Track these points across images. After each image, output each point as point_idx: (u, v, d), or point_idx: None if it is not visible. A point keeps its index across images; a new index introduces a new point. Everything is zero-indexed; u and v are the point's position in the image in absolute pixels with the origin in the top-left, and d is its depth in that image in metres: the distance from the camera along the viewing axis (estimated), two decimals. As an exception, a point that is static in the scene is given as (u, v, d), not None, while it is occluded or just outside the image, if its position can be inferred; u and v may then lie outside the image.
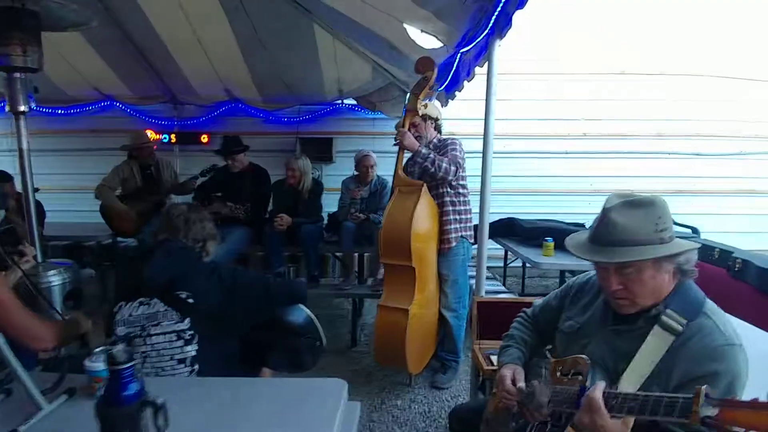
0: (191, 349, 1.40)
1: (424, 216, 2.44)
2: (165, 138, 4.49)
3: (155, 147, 4.02)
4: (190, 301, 1.41)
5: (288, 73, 4.06)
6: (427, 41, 2.66)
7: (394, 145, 2.57)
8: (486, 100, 2.14)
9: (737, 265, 3.06)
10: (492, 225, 3.75)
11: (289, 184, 3.30)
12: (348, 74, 4.18)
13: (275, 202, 3.43)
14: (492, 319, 2.14)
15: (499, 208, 4.67)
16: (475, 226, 3.87)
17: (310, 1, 3.10)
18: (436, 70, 2.48)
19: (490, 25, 1.97)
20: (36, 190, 3.47)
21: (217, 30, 3.49)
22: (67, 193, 4.64)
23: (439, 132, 2.86)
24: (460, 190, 2.75)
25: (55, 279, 1.85)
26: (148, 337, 1.38)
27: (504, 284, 3.77)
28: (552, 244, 3.01)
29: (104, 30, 3.50)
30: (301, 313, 1.59)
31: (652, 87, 4.73)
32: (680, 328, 1.04)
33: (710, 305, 1.09)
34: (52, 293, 1.86)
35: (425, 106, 2.67)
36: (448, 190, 2.70)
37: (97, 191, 3.77)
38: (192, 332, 1.40)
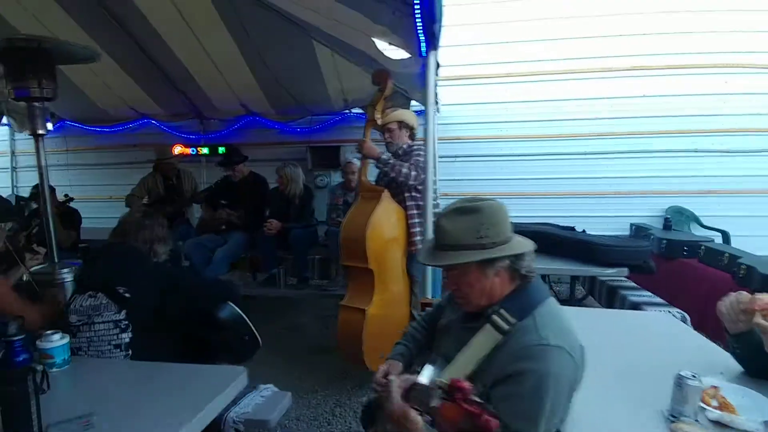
0: (125, 336, 1.64)
1: (383, 220, 2.55)
2: (193, 150, 4.94)
3: (180, 160, 4.50)
4: (127, 295, 1.65)
5: (294, 86, 4.33)
6: (395, 53, 2.77)
7: (356, 152, 2.73)
8: (425, 109, 2.22)
9: (742, 272, 2.86)
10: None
11: (279, 191, 3.55)
12: (351, 84, 4.37)
13: (271, 208, 3.69)
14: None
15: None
16: None
17: (302, 19, 3.34)
18: (390, 82, 2.58)
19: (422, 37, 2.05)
20: (70, 199, 4.05)
21: (228, 52, 3.85)
22: (105, 201, 5.28)
23: (412, 139, 2.97)
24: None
25: (67, 276, 2.21)
26: (93, 324, 1.64)
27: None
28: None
29: (135, 58, 4.01)
30: (230, 309, 1.77)
31: (672, 82, 4.44)
32: (507, 327, 1.09)
33: (545, 308, 1.12)
34: (64, 287, 2.23)
35: (383, 114, 2.76)
36: (414, 194, 2.80)
37: (127, 200, 4.28)
38: (127, 322, 1.64)
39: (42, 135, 2.61)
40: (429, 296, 2.35)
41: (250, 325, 1.81)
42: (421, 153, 2.73)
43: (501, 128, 4.69)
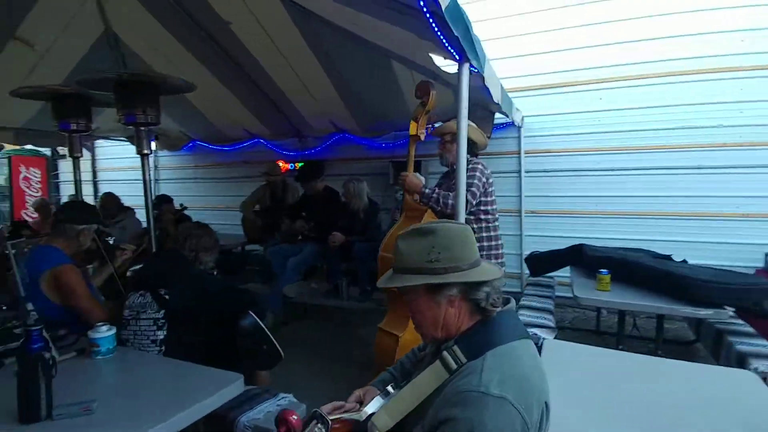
0: (161, 334, 1.85)
1: None
2: (291, 166, 5.40)
3: (287, 175, 4.99)
4: (167, 297, 1.86)
5: (376, 104, 4.45)
6: (451, 67, 2.66)
7: (396, 185, 2.62)
8: (458, 124, 2.07)
9: None
10: (557, 252, 3.36)
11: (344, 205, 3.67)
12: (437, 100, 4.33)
13: (339, 221, 3.82)
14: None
15: (575, 233, 4.16)
16: (534, 256, 3.51)
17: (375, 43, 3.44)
18: (433, 95, 2.46)
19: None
20: (184, 207, 4.71)
21: (316, 76, 4.17)
22: (221, 210, 6.03)
23: (471, 153, 2.78)
24: (481, 216, 2.64)
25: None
26: (139, 320, 1.89)
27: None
28: (607, 276, 2.52)
29: (244, 85, 4.57)
30: (251, 319, 1.88)
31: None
32: (454, 366, 0.98)
33: (504, 350, 0.98)
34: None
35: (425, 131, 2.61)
36: (466, 216, 2.60)
37: (241, 206, 4.88)
38: (164, 320, 1.85)
39: (147, 154, 3.14)
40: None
41: (270, 335, 1.88)
42: (476, 173, 2.55)
43: (594, 140, 4.15)
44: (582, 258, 2.95)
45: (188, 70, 4.27)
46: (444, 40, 1.88)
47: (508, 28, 4.50)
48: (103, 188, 6.77)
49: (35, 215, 5.59)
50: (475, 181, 2.54)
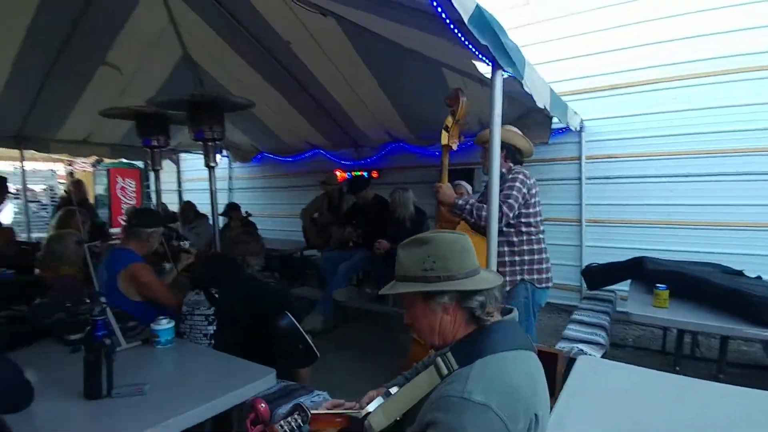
0: (211, 329, 2.04)
1: None
2: (349, 175, 5.59)
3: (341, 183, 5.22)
4: (217, 296, 2.06)
5: (429, 113, 4.48)
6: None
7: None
8: (491, 132, 2.05)
9: None
10: (616, 265, 3.15)
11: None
12: (485, 107, 4.27)
13: (387, 229, 3.89)
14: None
15: (641, 244, 3.87)
16: (591, 269, 3.30)
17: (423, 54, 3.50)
18: (463, 102, 2.39)
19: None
20: (249, 215, 5.06)
21: (371, 89, 4.32)
22: (285, 217, 6.38)
23: (514, 162, 2.69)
24: (522, 229, 2.52)
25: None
26: (194, 315, 2.10)
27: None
28: (665, 292, 2.31)
29: (304, 100, 4.84)
30: (288, 319, 2.00)
31: None
32: (446, 371, 1.02)
33: (493, 359, 0.99)
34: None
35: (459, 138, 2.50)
36: (505, 229, 2.52)
37: (301, 213, 5.17)
38: (213, 317, 2.04)
39: (213, 167, 3.44)
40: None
41: (305, 336, 2.00)
42: (516, 183, 2.46)
43: (665, 143, 3.82)
44: (642, 272, 2.73)
45: (255, 88, 4.64)
46: (473, 49, 1.88)
47: (567, 29, 4.33)
48: (186, 197, 7.48)
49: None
50: (514, 193, 2.43)
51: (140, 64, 4.45)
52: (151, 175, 8.21)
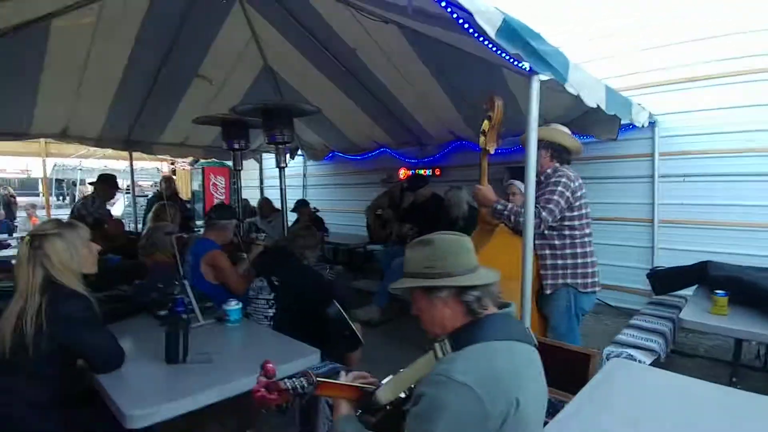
0: (271, 312, 2.34)
1: (493, 255, 2.38)
2: (412, 172, 5.74)
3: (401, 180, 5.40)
4: (276, 283, 2.35)
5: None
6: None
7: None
8: (527, 135, 2.07)
9: None
10: (682, 269, 2.95)
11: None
12: (548, 103, 4.16)
13: (441, 227, 3.95)
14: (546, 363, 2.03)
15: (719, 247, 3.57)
16: (657, 272, 3.10)
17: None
18: (499, 105, 2.38)
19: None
20: (317, 210, 5.43)
21: (433, 90, 4.43)
22: (351, 213, 6.70)
23: (560, 161, 2.64)
24: (565, 232, 2.48)
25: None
26: (257, 299, 2.41)
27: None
28: (724, 299, 2.15)
29: (370, 102, 5.09)
30: (335, 308, 2.23)
31: None
32: (441, 355, 1.15)
33: (480, 347, 1.10)
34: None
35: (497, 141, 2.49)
36: (547, 232, 2.50)
37: (366, 210, 5.45)
38: (273, 302, 2.34)
39: (284, 168, 3.80)
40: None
41: (351, 323, 2.21)
42: (558, 187, 2.41)
43: (752, 138, 3.44)
44: (706, 277, 2.56)
45: (325, 92, 4.99)
46: (506, 57, 1.94)
47: (639, 20, 4.06)
48: (267, 193, 8.16)
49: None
50: (555, 197, 2.38)
51: (227, 74, 4.99)
52: (240, 173, 9.12)
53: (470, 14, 1.60)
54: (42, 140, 7.33)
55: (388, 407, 1.24)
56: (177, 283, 2.29)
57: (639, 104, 3.64)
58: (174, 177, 8.30)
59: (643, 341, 2.60)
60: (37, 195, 9.72)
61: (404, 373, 1.23)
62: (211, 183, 8.96)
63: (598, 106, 2.68)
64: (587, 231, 2.52)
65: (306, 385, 1.12)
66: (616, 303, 4.37)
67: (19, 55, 3.78)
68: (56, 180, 9.06)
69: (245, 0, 4.05)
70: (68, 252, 1.67)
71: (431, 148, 5.69)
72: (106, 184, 4.68)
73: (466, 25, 1.74)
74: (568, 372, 1.80)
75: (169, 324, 1.79)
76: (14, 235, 6.76)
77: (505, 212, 2.38)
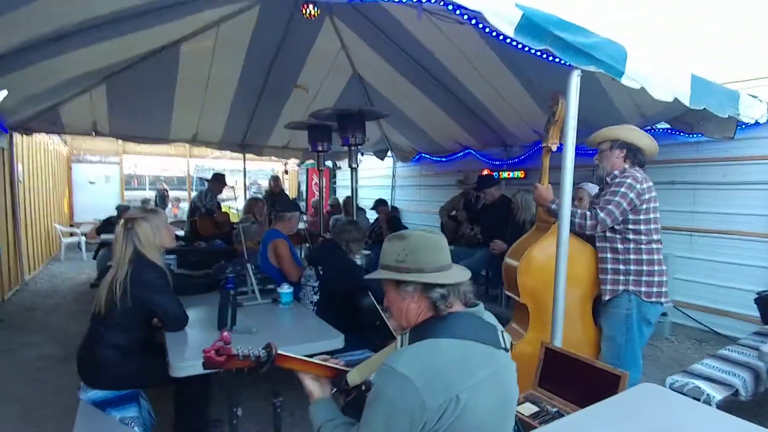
0: (315, 298, 2.59)
1: (547, 255, 2.34)
2: (495, 174, 5.60)
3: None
4: (321, 272, 2.59)
5: (580, 111, 4.18)
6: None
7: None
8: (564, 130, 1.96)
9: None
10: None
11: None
12: (647, 98, 3.74)
13: (507, 230, 3.82)
14: (556, 369, 1.93)
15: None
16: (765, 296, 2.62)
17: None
18: (562, 104, 2.28)
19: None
20: (394, 209, 5.63)
21: (515, 91, 4.33)
22: (431, 213, 6.73)
23: (633, 163, 2.41)
24: (629, 236, 2.28)
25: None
26: (306, 286, 2.68)
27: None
28: None
29: (452, 104, 5.14)
30: (369, 299, 2.38)
31: None
32: (400, 346, 1.22)
33: (432, 342, 1.14)
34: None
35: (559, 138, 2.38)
36: (608, 234, 2.32)
37: (440, 210, 5.52)
38: (317, 289, 2.58)
39: (355, 168, 4.07)
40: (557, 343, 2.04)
41: (382, 314, 2.34)
42: (621, 188, 2.25)
43: None
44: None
45: (410, 96, 5.18)
46: (536, 53, 1.87)
47: None
48: (362, 192, 8.65)
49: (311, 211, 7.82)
50: (617, 199, 2.23)
51: (321, 83, 5.48)
52: (338, 173, 9.83)
53: (480, 13, 1.61)
54: (186, 145, 8.83)
55: (359, 390, 1.34)
56: (254, 266, 2.69)
57: (754, 96, 3.10)
58: (280, 176, 9.28)
59: (722, 374, 2.27)
60: (184, 190, 11.69)
61: (372, 359, 1.32)
62: (313, 182, 9.82)
63: (675, 99, 2.39)
64: (655, 237, 2.31)
65: (262, 354, 1.27)
66: (725, 331, 3.76)
67: (157, 75, 4.69)
68: (198, 177, 10.80)
69: (334, 14, 4.42)
70: (151, 231, 2.11)
71: (516, 149, 5.49)
72: (217, 181, 5.51)
73: (480, 25, 1.74)
74: (592, 391, 1.69)
75: (221, 297, 2.14)
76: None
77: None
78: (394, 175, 7.84)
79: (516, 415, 1.67)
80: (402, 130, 6.41)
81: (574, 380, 1.84)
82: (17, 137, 5.29)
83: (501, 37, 1.83)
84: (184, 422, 2.17)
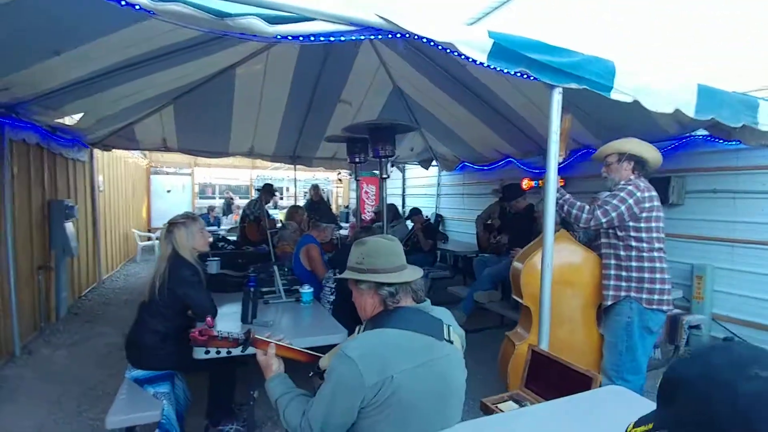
0: (331, 298, 2.82)
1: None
2: (536, 183, 5.53)
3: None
4: (337, 274, 2.83)
5: (614, 119, 4.08)
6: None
7: None
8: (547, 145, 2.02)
9: None
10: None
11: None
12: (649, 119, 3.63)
13: (532, 238, 3.78)
14: (541, 370, 1.99)
15: None
16: None
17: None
18: (565, 118, 2.32)
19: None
20: (428, 219, 5.75)
21: (542, 95, 4.29)
22: (470, 222, 6.73)
23: (641, 174, 2.42)
24: (632, 243, 2.30)
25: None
26: (326, 287, 2.93)
27: None
28: None
29: (490, 114, 5.21)
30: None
31: None
32: (356, 335, 1.42)
33: (379, 331, 1.34)
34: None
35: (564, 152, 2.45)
36: (612, 240, 2.34)
37: (476, 219, 5.55)
38: (334, 290, 2.82)
39: (386, 178, 4.29)
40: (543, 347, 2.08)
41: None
42: (621, 193, 2.30)
43: None
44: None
45: (447, 106, 5.33)
46: (516, 74, 1.97)
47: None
48: (409, 200, 8.84)
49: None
50: (615, 201, 2.30)
51: (364, 97, 5.78)
52: (387, 182, 10.10)
53: (452, 44, 1.75)
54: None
55: None
56: (288, 268, 3.01)
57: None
58: (332, 186, 9.68)
59: None
60: (248, 198, 12.64)
61: (339, 346, 1.52)
62: (363, 191, 10.17)
63: (677, 111, 2.34)
64: (657, 245, 2.33)
65: (240, 337, 1.51)
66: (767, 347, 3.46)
67: (216, 95, 5.25)
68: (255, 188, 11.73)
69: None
70: (186, 236, 2.47)
71: (556, 157, 5.39)
72: (266, 191, 6.00)
73: (455, 54, 1.87)
74: (569, 392, 1.74)
75: (243, 294, 2.44)
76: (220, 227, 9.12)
77: (559, 201, 2.39)
78: (438, 184, 7.95)
79: (494, 409, 1.79)
80: (443, 140, 6.53)
81: (555, 381, 1.90)
82: (97, 152, 6.15)
83: (478, 63, 1.94)
84: (213, 402, 2.49)
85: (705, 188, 3.88)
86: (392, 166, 7.63)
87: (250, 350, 1.53)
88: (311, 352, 1.60)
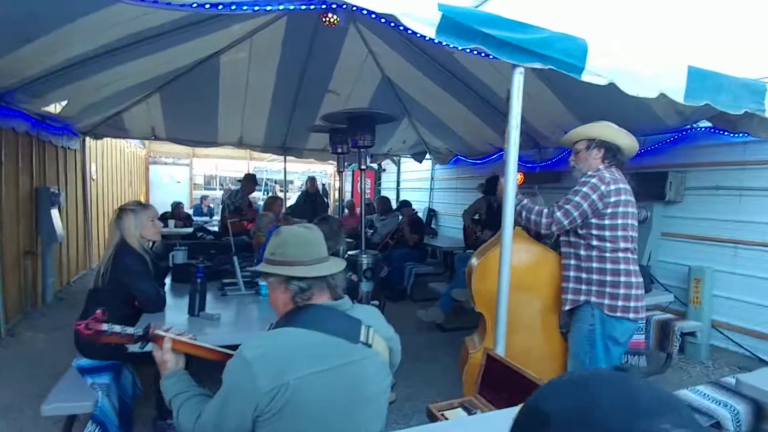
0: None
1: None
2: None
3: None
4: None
5: (604, 110, 3.88)
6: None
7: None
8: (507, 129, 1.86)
9: None
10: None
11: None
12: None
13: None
14: (496, 377, 1.85)
15: None
16: None
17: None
18: None
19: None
20: (415, 212, 5.60)
21: (541, 93, 4.14)
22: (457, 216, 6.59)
23: (611, 163, 2.22)
24: (593, 243, 2.11)
25: (365, 260, 3.62)
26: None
27: None
28: None
29: (482, 107, 5.04)
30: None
31: None
32: None
33: (284, 331, 1.22)
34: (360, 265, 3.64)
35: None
36: (572, 239, 2.16)
37: (462, 214, 5.41)
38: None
39: (364, 169, 4.15)
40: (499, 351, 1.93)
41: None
42: (583, 188, 2.10)
43: None
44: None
45: (438, 97, 5.16)
46: (471, 52, 1.82)
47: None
48: (403, 194, 8.68)
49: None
50: (576, 198, 2.08)
51: (352, 87, 5.63)
52: (383, 175, 9.97)
53: (393, 16, 1.60)
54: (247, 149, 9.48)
55: None
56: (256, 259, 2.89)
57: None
58: (328, 178, 9.56)
59: (711, 403, 2.00)
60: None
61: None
62: (357, 183, 10.04)
63: (662, 95, 2.15)
64: (622, 245, 2.10)
65: (135, 332, 1.37)
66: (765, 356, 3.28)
67: (201, 84, 5.14)
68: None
69: (357, 21, 4.54)
70: (134, 223, 2.36)
71: (550, 150, 5.21)
72: (248, 181, 5.88)
73: (401, 28, 1.72)
74: (516, 400, 1.61)
75: (191, 285, 2.33)
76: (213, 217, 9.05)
77: (517, 208, 2.17)
78: (432, 178, 7.78)
79: (439, 417, 1.66)
80: (436, 133, 6.37)
81: (510, 389, 1.76)
82: (90, 140, 6.09)
83: (427, 39, 1.77)
84: (160, 395, 2.38)
85: (707, 185, 3.65)
86: (371, 157, 7.46)
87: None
88: (225, 351, 1.44)
